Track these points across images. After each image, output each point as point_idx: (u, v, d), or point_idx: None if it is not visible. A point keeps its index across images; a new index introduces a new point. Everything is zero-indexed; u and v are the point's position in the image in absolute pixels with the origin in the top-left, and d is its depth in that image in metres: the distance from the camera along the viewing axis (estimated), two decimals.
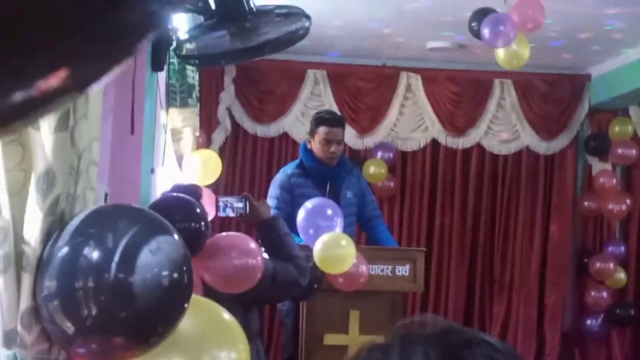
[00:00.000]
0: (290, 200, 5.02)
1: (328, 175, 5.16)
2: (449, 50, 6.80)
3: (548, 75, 7.39)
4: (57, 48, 0.66)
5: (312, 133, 5.17)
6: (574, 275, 7.65)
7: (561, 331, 7.49)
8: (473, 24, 5.09)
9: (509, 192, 7.51)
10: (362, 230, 5.70)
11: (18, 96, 0.66)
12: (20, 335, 1.65)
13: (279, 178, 5.22)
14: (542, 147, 7.47)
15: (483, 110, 7.39)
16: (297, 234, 4.40)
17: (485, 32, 4.88)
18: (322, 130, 5.10)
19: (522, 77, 7.24)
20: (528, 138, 7.43)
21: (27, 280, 1.65)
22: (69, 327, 1.60)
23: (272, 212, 4.00)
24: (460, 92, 7.37)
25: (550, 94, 7.43)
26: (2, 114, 0.68)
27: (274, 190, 5.16)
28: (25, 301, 1.65)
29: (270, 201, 4.94)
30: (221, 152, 6.73)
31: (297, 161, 5.29)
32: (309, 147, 5.18)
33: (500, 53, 5.08)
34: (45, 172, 1.66)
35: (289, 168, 5.27)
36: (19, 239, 1.66)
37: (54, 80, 0.66)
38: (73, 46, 0.66)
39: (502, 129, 7.44)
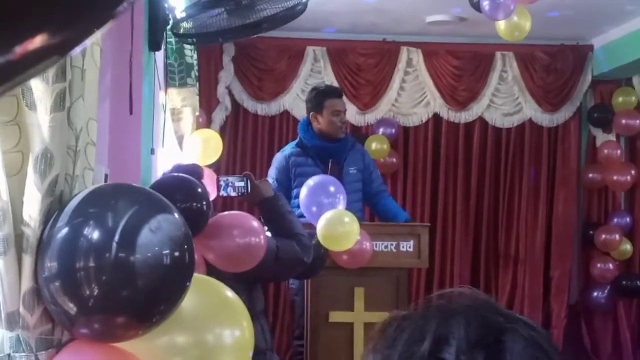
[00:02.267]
0: (288, 181, 5.02)
1: (330, 152, 5.13)
2: (449, 23, 6.76)
3: (550, 46, 7.35)
4: (37, 9, 0.64)
5: (317, 109, 5.13)
6: (580, 247, 7.65)
7: (567, 303, 7.49)
8: None
9: (513, 165, 7.50)
10: (368, 205, 5.68)
11: None
12: (23, 317, 1.64)
13: (277, 158, 5.22)
14: (545, 119, 7.44)
15: (485, 84, 7.36)
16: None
17: (485, 4, 4.85)
18: (330, 103, 5.09)
19: (524, 49, 7.20)
20: (531, 110, 7.40)
21: (27, 261, 1.64)
22: (71, 307, 1.59)
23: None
24: (462, 66, 7.33)
25: (552, 66, 7.40)
26: None
27: (273, 170, 5.16)
28: (26, 283, 1.64)
29: (270, 181, 4.94)
30: (222, 132, 6.71)
31: (295, 140, 5.27)
32: (314, 124, 5.15)
33: (501, 25, 5.05)
34: (42, 153, 1.65)
35: (288, 148, 5.26)
36: (18, 221, 1.65)
37: (35, 43, 0.65)
38: (53, 9, 0.65)
39: (505, 101, 7.41)
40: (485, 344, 0.95)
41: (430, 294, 1.10)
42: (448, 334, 0.96)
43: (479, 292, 1.08)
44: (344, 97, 5.61)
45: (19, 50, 0.65)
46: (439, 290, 1.12)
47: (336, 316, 4.70)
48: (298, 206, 4.55)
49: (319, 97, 5.14)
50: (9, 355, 1.66)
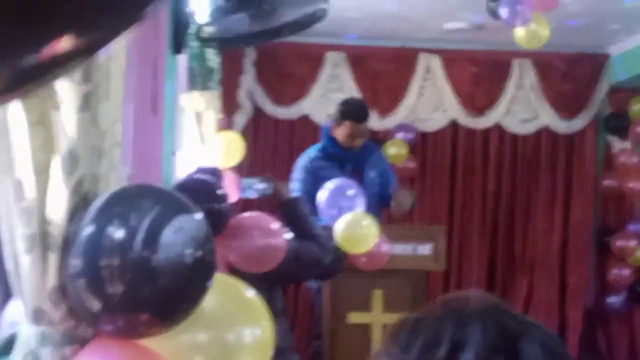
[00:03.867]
0: (314, 183, 5.05)
1: (351, 158, 5.18)
2: (467, 31, 6.78)
3: (567, 54, 7.35)
4: (65, 11, 0.67)
5: (337, 121, 5.18)
6: (596, 253, 7.64)
7: (583, 309, 7.47)
8: (490, 4, 5.07)
9: (529, 172, 7.50)
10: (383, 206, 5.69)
11: (27, 60, 0.67)
12: (48, 313, 1.68)
13: (302, 161, 5.25)
14: (561, 126, 7.44)
15: (502, 90, 7.36)
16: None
17: (504, 11, 4.86)
18: (347, 124, 5.12)
19: (541, 56, 7.21)
20: (548, 118, 7.40)
21: (53, 259, 1.67)
22: (95, 304, 1.61)
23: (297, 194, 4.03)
24: (479, 73, 7.35)
25: (570, 73, 7.40)
26: (12, 78, 0.69)
27: (298, 173, 5.19)
28: (51, 280, 1.67)
29: (295, 184, 4.99)
30: (243, 135, 6.74)
31: (319, 145, 5.32)
32: (332, 132, 5.19)
33: (520, 32, 5.06)
34: (69, 153, 1.68)
35: (312, 151, 5.30)
36: (44, 219, 1.68)
37: (62, 44, 0.67)
38: (82, 9, 0.67)
39: (522, 108, 7.42)
40: (502, 349, 0.95)
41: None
42: (465, 340, 0.96)
43: (492, 296, 1.07)
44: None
45: (47, 51, 0.67)
46: (453, 292, 1.11)
47: (355, 317, 4.73)
48: None
49: (342, 114, 5.17)
50: (34, 350, 1.69)
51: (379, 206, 5.53)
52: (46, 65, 0.70)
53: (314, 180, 5.04)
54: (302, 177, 5.11)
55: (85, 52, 0.74)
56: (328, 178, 4.77)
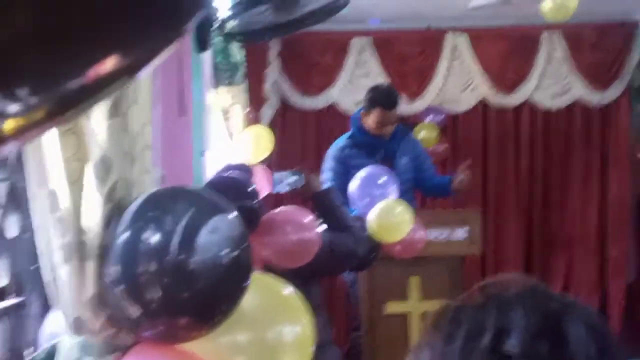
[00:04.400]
0: (345, 173, 5.03)
1: (381, 146, 5.15)
2: (493, 7, 6.70)
3: (596, 24, 7.25)
4: (108, 33, 0.66)
5: (366, 109, 5.15)
6: (636, 226, 7.54)
7: (625, 284, 7.40)
8: None
9: (563, 148, 7.42)
10: (422, 193, 5.66)
11: (72, 84, 0.67)
12: (88, 322, 1.68)
13: (332, 151, 5.24)
14: (594, 98, 7.34)
15: (532, 65, 7.29)
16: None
17: None
18: (377, 112, 5.08)
19: (570, 28, 7.10)
20: (579, 90, 7.31)
21: (90, 267, 1.68)
22: (135, 310, 1.62)
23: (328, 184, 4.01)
24: (508, 49, 7.27)
25: (600, 44, 7.29)
26: (57, 104, 0.69)
27: (328, 163, 5.17)
28: (90, 288, 1.67)
29: (325, 174, 4.97)
30: (271, 128, 6.74)
31: (349, 133, 5.29)
32: (362, 120, 5.16)
33: (547, 5, 5.00)
34: (101, 160, 1.68)
35: (342, 141, 5.28)
36: (79, 228, 1.69)
37: (106, 65, 0.67)
38: (124, 30, 0.67)
39: (553, 82, 7.34)
40: (547, 333, 0.94)
41: (484, 280, 1.08)
42: (508, 326, 0.95)
43: (530, 278, 1.06)
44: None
45: (91, 74, 0.67)
46: (490, 277, 1.11)
47: (392, 307, 4.71)
48: None
49: (371, 101, 5.13)
50: None
51: (425, 191, 5.50)
52: (90, 89, 0.70)
53: (345, 170, 5.02)
54: (333, 167, 5.09)
55: (128, 73, 0.73)
56: (359, 167, 4.74)
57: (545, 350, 0.93)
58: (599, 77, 7.30)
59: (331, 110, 7.23)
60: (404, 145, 5.28)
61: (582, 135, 7.42)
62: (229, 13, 3.85)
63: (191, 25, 0.75)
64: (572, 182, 7.41)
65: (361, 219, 4.19)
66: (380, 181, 4.41)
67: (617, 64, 7.32)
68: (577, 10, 5.09)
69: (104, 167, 1.69)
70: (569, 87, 7.33)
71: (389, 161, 5.06)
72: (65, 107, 0.71)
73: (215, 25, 3.94)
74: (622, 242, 7.38)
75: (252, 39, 4.58)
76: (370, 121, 5.10)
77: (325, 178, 4.98)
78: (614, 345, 0.99)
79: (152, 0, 0.67)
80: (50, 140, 1.66)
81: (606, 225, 7.42)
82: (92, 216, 1.69)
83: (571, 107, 7.40)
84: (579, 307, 1.00)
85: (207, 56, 4.10)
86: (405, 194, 4.76)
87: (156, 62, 0.74)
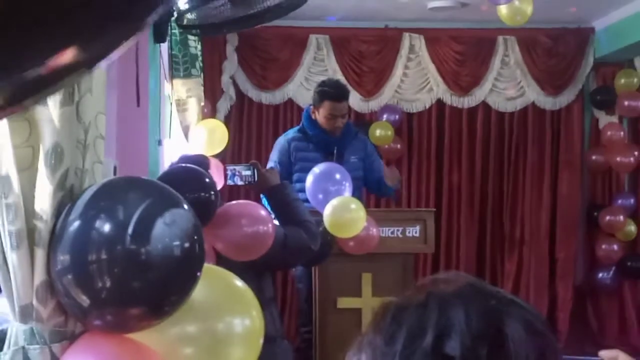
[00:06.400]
0: (289, 164, 5.07)
1: (332, 142, 5.17)
2: (451, 9, 6.76)
3: (551, 29, 7.35)
4: (68, 24, 0.66)
5: (316, 104, 5.17)
6: (584, 229, 7.66)
7: (573, 285, 7.51)
8: None
9: (516, 149, 7.52)
10: (371, 193, 5.72)
11: (29, 74, 0.67)
12: (36, 310, 1.66)
13: (279, 142, 5.28)
14: (548, 102, 7.45)
15: (487, 68, 7.37)
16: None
17: None
18: (326, 105, 5.10)
19: (526, 33, 7.20)
20: (533, 94, 7.41)
21: (40, 255, 1.66)
22: (84, 299, 1.61)
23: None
24: (464, 51, 7.34)
25: (554, 49, 7.40)
26: (14, 92, 0.69)
27: (273, 153, 5.21)
28: (39, 276, 1.66)
29: (271, 164, 4.99)
30: (227, 121, 6.75)
31: (298, 126, 5.31)
32: (313, 117, 5.19)
33: (503, 9, 5.05)
34: (53, 147, 1.67)
35: (290, 132, 5.32)
36: (30, 215, 1.67)
37: (65, 57, 0.67)
38: (84, 22, 0.67)
39: (507, 86, 7.42)
40: (487, 334, 0.95)
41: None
42: (449, 327, 0.96)
43: (468, 275, 1.07)
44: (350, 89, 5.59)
45: (50, 64, 0.67)
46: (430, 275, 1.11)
47: (344, 302, 4.72)
48: (299, 190, 4.58)
49: (320, 95, 5.16)
50: (23, 347, 1.68)
51: (373, 191, 5.55)
52: (48, 79, 0.70)
53: (290, 161, 5.06)
54: (277, 158, 5.12)
55: (86, 65, 0.73)
56: (305, 159, 4.78)
57: (484, 352, 0.94)
58: (553, 81, 7.40)
59: (288, 104, 7.24)
60: (355, 144, 5.32)
61: (535, 138, 7.52)
62: (187, 5, 3.84)
63: (152, 20, 0.75)
64: (524, 184, 7.51)
65: (317, 213, 4.20)
66: (335, 177, 4.42)
67: (572, 69, 7.42)
68: (533, 15, 5.15)
69: (56, 155, 1.67)
70: (523, 90, 7.41)
71: (339, 159, 5.08)
72: (22, 96, 0.70)
73: (173, 16, 3.92)
74: (571, 244, 7.50)
75: (210, 32, 4.57)
76: (321, 115, 5.12)
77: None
78: (552, 344, 1.00)
79: None
80: (1, 126, 1.64)
81: (556, 227, 7.52)
82: (43, 203, 1.67)
83: (525, 110, 7.49)
84: (518, 305, 1.00)
85: (164, 47, 4.08)
86: (354, 192, 4.78)
87: (115, 55, 0.74)
